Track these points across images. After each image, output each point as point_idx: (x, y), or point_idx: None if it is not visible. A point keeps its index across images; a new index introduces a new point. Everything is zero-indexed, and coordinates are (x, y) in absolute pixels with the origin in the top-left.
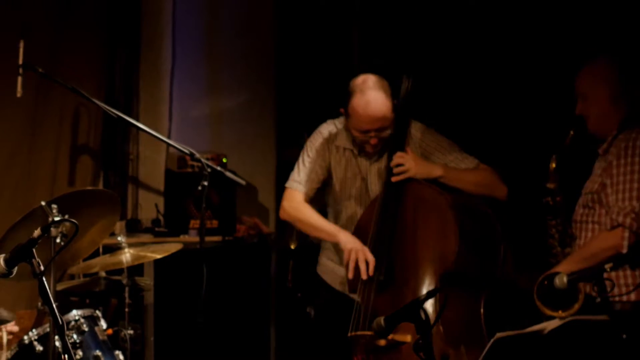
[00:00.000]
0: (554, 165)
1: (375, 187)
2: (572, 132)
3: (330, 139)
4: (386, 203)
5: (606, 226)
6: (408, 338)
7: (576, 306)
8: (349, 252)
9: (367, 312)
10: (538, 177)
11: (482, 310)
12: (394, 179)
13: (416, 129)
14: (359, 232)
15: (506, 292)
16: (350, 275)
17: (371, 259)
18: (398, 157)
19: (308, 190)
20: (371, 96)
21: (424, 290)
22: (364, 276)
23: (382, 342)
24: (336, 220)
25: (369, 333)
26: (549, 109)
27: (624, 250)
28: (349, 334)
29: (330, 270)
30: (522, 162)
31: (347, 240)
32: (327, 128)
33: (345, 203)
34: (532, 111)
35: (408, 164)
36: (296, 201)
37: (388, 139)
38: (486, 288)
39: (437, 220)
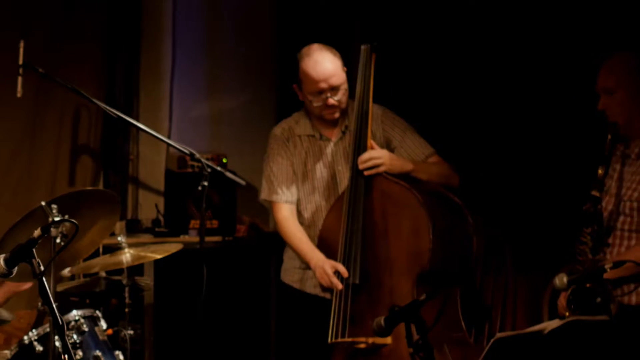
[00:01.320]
0: (601, 172)
1: (343, 170)
2: (609, 137)
3: (286, 135)
4: (354, 201)
5: None
6: (388, 340)
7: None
8: (320, 275)
9: (346, 317)
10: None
11: (459, 306)
12: (366, 172)
13: (377, 107)
14: (326, 233)
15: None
16: (327, 286)
17: (341, 268)
18: (365, 160)
19: (289, 196)
20: (319, 55)
21: (401, 291)
22: (338, 287)
23: (362, 346)
24: (300, 216)
25: (349, 340)
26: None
27: None
28: (330, 341)
29: (296, 272)
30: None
31: (317, 264)
32: (279, 128)
33: (309, 197)
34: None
35: (382, 158)
36: (282, 217)
37: (346, 109)
38: (461, 282)
39: (408, 218)
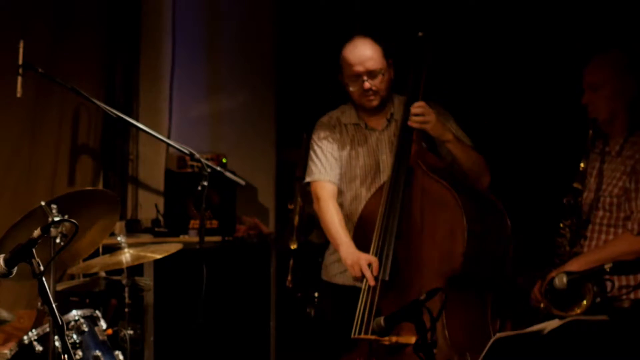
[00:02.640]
0: (582, 165)
1: (387, 159)
2: (590, 133)
3: (333, 122)
4: (393, 194)
5: (633, 231)
6: (412, 340)
7: (584, 303)
8: (350, 267)
9: (372, 313)
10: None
11: (489, 314)
12: (410, 123)
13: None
14: (363, 221)
15: (512, 294)
16: (357, 277)
17: (375, 265)
18: (420, 107)
19: (332, 177)
20: (358, 41)
21: None
22: (371, 282)
23: (386, 343)
24: (343, 205)
25: (373, 337)
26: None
27: None
28: (353, 336)
29: (335, 266)
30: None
31: (347, 254)
32: (327, 116)
33: (350, 185)
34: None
35: (429, 115)
36: (324, 196)
37: (391, 98)
38: (493, 290)
39: (445, 218)
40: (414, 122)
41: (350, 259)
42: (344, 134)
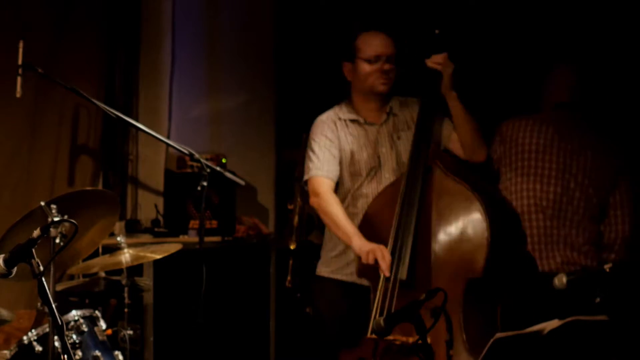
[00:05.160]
0: None
1: (387, 152)
2: None
3: (332, 119)
4: (410, 192)
5: None
6: (427, 341)
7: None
8: (366, 254)
9: (389, 312)
10: None
11: (498, 316)
12: (428, 63)
13: (416, 100)
14: (371, 218)
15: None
16: (366, 264)
17: (387, 261)
18: (442, 57)
19: (330, 173)
20: (375, 31)
21: (449, 295)
22: (386, 273)
23: (398, 343)
24: (343, 201)
25: (389, 337)
26: None
27: None
28: (368, 336)
29: (332, 262)
30: None
31: (362, 244)
32: (325, 114)
33: (353, 180)
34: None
35: (448, 67)
36: (323, 190)
37: (390, 92)
38: (504, 294)
39: (466, 220)
40: (432, 63)
41: (367, 247)
42: (343, 130)
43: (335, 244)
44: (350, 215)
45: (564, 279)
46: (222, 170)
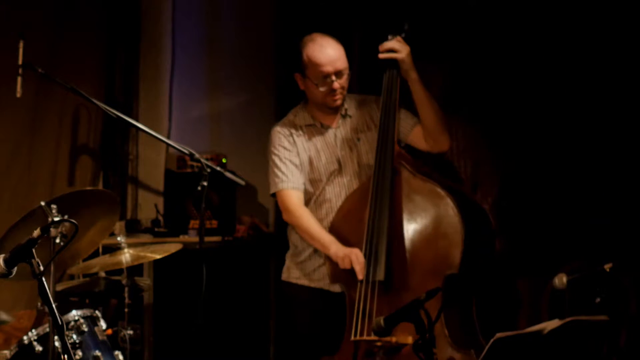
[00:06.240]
0: None
1: (346, 155)
2: None
3: (287, 128)
4: (379, 194)
5: None
6: (409, 340)
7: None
8: (342, 260)
9: (371, 314)
10: None
11: (474, 310)
12: (380, 55)
13: (374, 97)
14: (340, 223)
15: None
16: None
17: (361, 257)
18: (397, 41)
19: (296, 183)
20: (323, 40)
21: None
22: (360, 276)
23: (386, 345)
24: (308, 205)
25: (373, 338)
26: None
27: None
28: (353, 339)
29: (299, 267)
30: None
31: (338, 249)
32: (279, 123)
33: (316, 185)
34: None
35: (402, 51)
36: (293, 205)
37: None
38: (478, 287)
39: (438, 217)
40: (383, 55)
41: (342, 252)
42: (300, 137)
43: (302, 249)
44: (321, 222)
45: (564, 279)
46: (222, 170)
